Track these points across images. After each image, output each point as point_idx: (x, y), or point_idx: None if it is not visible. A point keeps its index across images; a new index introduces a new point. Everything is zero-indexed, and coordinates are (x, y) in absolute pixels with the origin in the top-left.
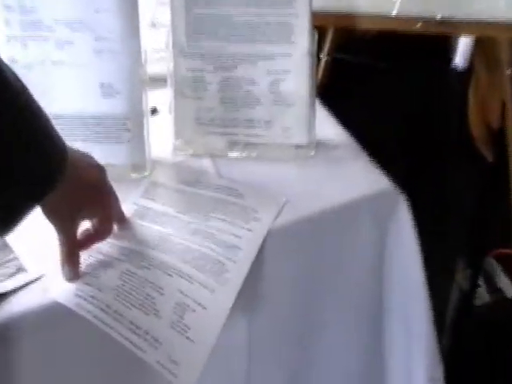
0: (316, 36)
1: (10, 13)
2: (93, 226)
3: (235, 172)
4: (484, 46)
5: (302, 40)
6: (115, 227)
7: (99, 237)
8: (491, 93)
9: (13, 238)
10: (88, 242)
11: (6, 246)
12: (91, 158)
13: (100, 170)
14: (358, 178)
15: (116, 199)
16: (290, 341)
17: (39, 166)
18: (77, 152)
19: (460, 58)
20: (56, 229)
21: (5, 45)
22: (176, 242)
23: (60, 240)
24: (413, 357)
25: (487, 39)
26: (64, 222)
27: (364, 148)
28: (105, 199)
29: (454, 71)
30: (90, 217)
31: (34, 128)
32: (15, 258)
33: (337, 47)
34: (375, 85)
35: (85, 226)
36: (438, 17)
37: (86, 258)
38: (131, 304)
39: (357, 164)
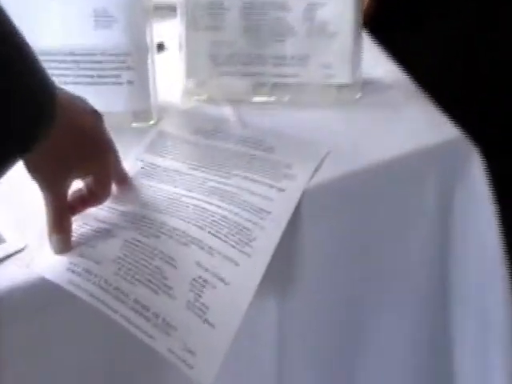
0: None
1: None
2: (87, 186)
3: (262, 120)
4: None
5: None
6: (115, 188)
7: (95, 200)
8: None
9: None
10: (81, 206)
11: None
12: (85, 102)
13: (96, 116)
14: (415, 125)
15: (116, 154)
16: (330, 331)
17: (24, 107)
18: (67, 94)
19: None
20: (42, 188)
21: None
22: (190, 203)
23: (47, 202)
24: (489, 352)
25: None
26: (52, 180)
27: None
28: (102, 153)
29: None
30: (83, 175)
31: (15, 61)
32: None
33: None
34: (442, 12)
35: (77, 186)
36: None
37: (79, 226)
38: (136, 280)
39: (414, 108)
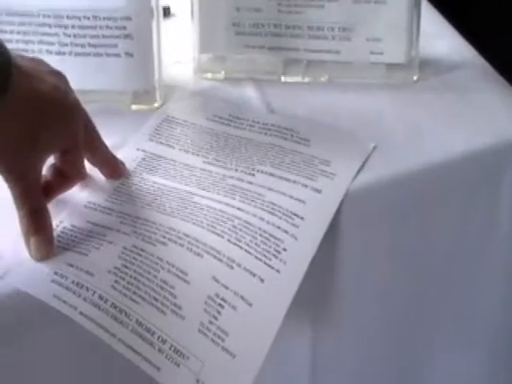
0: None
1: None
2: (56, 164)
3: (294, 105)
4: None
5: None
6: (109, 185)
7: (68, 181)
8: None
9: None
10: (53, 191)
11: None
12: (44, 62)
13: (59, 77)
14: (489, 114)
15: (89, 122)
16: (376, 373)
17: None
18: (24, 57)
19: None
20: (7, 176)
21: None
22: (204, 205)
23: (16, 194)
24: None
25: None
26: (17, 163)
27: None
28: (69, 119)
29: None
30: (52, 151)
31: None
32: None
33: None
34: None
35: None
36: None
37: (65, 228)
38: (139, 296)
39: (487, 93)
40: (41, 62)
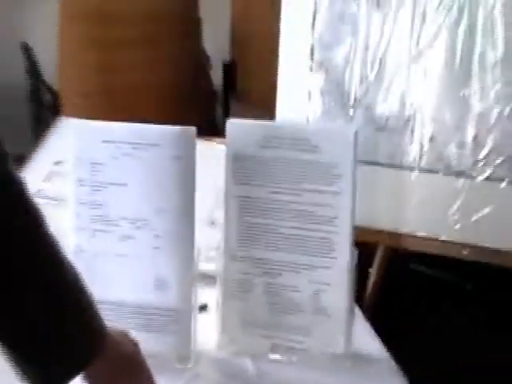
0: (356, 253)
1: (81, 206)
2: None
3: (274, 374)
4: None
5: (343, 256)
6: None
7: None
8: None
9: None
10: None
11: None
12: (126, 333)
13: (135, 343)
14: None
15: (151, 377)
16: None
17: (80, 337)
18: (113, 328)
19: None
20: None
21: (74, 234)
22: None
23: None
24: None
25: None
26: None
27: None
28: (142, 372)
29: None
30: None
31: (79, 302)
32: None
33: (414, 255)
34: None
35: None
36: (487, 245)
37: None
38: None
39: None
40: (124, 332)
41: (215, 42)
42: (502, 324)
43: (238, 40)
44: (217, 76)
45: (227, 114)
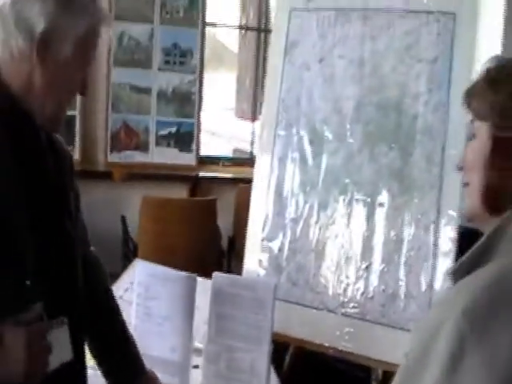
0: (271, 348)
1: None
2: None
3: None
4: None
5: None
6: None
7: None
8: None
9: None
10: None
11: None
12: (153, 372)
13: (157, 379)
14: None
15: None
16: None
17: (134, 367)
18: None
19: None
20: None
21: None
22: None
23: None
24: None
25: None
26: None
27: None
28: None
29: None
30: None
31: (131, 346)
32: None
33: None
34: None
35: None
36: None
37: None
38: None
39: None
40: (152, 371)
41: (224, 222)
42: None
43: (238, 222)
44: (224, 242)
45: (230, 266)
